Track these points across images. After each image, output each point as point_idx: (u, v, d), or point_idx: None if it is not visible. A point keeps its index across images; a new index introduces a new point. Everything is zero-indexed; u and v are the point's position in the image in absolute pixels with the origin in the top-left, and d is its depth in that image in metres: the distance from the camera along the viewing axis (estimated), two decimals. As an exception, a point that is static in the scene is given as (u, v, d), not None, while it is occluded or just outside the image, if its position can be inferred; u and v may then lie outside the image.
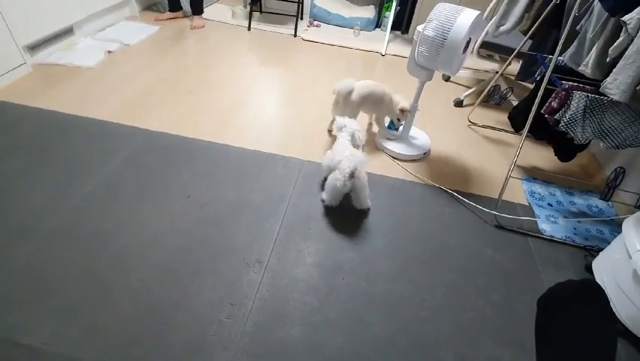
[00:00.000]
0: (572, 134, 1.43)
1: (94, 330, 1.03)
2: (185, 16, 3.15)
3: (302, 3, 3.15)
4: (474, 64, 2.90)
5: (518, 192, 1.70)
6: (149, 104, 2.02)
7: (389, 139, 1.89)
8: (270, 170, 1.66)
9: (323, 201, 1.49)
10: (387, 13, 3.18)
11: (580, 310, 0.75)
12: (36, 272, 1.15)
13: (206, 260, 1.25)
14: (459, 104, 2.35)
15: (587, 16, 1.38)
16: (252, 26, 3.10)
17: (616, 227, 1.56)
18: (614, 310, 1.14)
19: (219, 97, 2.16)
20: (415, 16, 3.14)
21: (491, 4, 2.17)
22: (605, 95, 1.26)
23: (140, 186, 1.49)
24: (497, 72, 2.19)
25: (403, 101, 1.78)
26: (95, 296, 1.11)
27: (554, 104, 1.46)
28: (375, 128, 2.00)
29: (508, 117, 1.96)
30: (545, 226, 1.53)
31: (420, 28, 1.50)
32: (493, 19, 1.98)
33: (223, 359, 1.00)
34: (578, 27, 1.42)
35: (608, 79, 1.22)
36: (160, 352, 1.00)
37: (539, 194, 1.70)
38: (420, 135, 1.95)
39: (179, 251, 1.26)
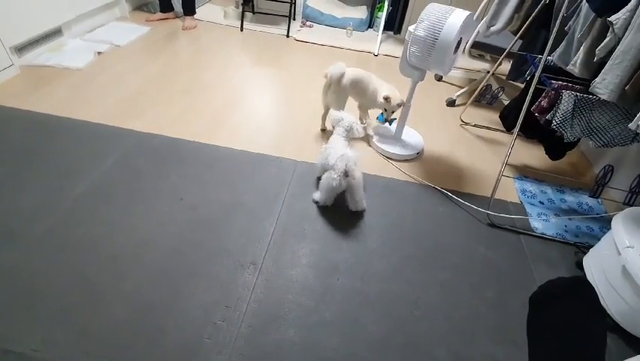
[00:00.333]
0: (562, 133, 1.45)
1: (86, 335, 1.02)
2: (177, 16, 3.13)
3: (294, 3, 3.15)
4: (465, 64, 2.93)
5: (510, 190, 1.72)
6: (140, 105, 2.00)
7: (380, 134, 1.89)
8: (263, 171, 1.65)
9: (316, 201, 1.49)
10: (380, 13, 3.19)
11: (570, 306, 0.76)
12: (25, 278, 1.13)
13: (199, 262, 1.24)
14: (451, 103, 2.37)
15: (574, 16, 1.41)
16: (244, 27, 3.09)
17: (605, 224, 1.59)
18: (604, 305, 1.17)
19: (212, 98, 2.14)
20: (406, 17, 3.16)
21: (482, 5, 2.19)
22: (594, 95, 1.28)
23: (132, 189, 1.48)
24: (488, 72, 2.21)
25: (386, 90, 1.74)
26: (87, 301, 1.09)
27: (544, 104, 1.48)
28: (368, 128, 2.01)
29: (500, 117, 1.98)
30: (537, 224, 1.54)
31: (411, 28, 1.51)
32: (483, 20, 2.00)
33: (218, 362, 0.99)
34: (566, 27, 1.44)
35: (597, 79, 1.23)
36: (153, 356, 0.99)
37: (531, 192, 1.72)
38: (413, 135, 1.96)
39: (171, 254, 1.25)
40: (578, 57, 1.33)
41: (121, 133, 1.76)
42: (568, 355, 0.70)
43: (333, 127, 1.58)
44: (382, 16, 3.10)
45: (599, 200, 1.72)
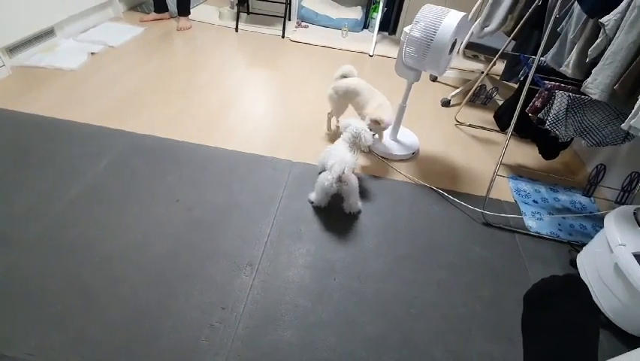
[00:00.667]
0: (557, 133, 1.46)
1: (81, 339, 1.01)
2: (172, 17, 3.11)
3: (289, 4, 3.15)
4: (460, 64, 2.94)
5: (505, 189, 1.74)
6: (134, 106, 1.99)
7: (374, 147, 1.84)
8: (259, 172, 1.65)
9: (311, 202, 1.49)
10: (375, 14, 3.20)
11: (563, 304, 0.77)
12: (19, 282, 1.12)
13: (195, 264, 1.23)
14: (446, 104, 2.38)
15: (567, 17, 1.42)
16: (239, 27, 3.08)
17: (598, 222, 1.61)
18: (596, 302, 1.19)
19: (207, 99, 2.14)
20: (402, 18, 3.17)
21: (476, 6, 2.21)
22: (586, 95, 1.30)
23: (126, 191, 1.47)
24: (483, 72, 2.23)
25: (376, 111, 1.62)
26: (82, 304, 1.09)
27: (538, 104, 1.50)
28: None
29: (494, 117, 2.00)
30: (531, 223, 1.56)
31: (407, 29, 1.52)
32: (477, 21, 2.02)
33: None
34: (559, 28, 1.46)
35: (589, 79, 1.25)
36: (150, 359, 0.99)
37: (525, 191, 1.74)
38: (408, 135, 1.97)
39: (167, 255, 1.25)
40: (571, 58, 1.35)
41: (115, 134, 1.75)
42: (562, 352, 0.71)
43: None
44: (377, 16, 3.11)
45: (592, 199, 1.75)
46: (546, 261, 1.41)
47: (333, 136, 1.96)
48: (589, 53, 1.23)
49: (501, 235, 1.50)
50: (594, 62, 1.24)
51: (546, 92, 1.46)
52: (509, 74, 2.26)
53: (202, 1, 3.56)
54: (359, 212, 1.50)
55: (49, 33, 2.41)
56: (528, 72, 1.48)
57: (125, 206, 1.40)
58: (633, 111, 1.09)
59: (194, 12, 3.16)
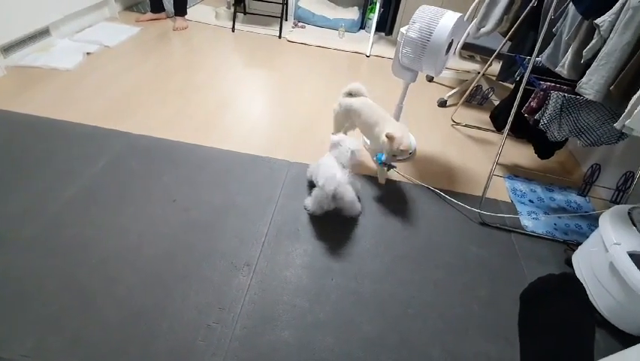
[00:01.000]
0: (551, 133, 1.47)
1: (78, 340, 1.00)
2: (168, 17, 3.10)
3: (286, 4, 3.15)
4: (456, 65, 2.96)
5: (501, 189, 1.75)
6: (131, 106, 1.98)
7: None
8: (256, 172, 1.65)
9: (306, 209, 1.48)
10: (371, 14, 3.21)
11: (559, 302, 0.78)
12: (14, 283, 1.11)
13: (192, 265, 1.23)
14: (442, 104, 2.39)
15: (562, 18, 1.43)
16: (236, 27, 3.08)
17: (593, 221, 1.62)
18: (592, 301, 1.19)
19: (204, 99, 2.13)
20: (398, 18, 3.18)
21: (472, 6, 2.22)
22: (581, 95, 1.31)
23: (123, 191, 1.46)
24: (479, 73, 2.24)
25: (392, 127, 1.45)
26: (78, 306, 1.08)
27: (533, 104, 1.51)
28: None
29: (490, 117, 2.01)
30: (527, 222, 1.57)
31: (403, 30, 1.52)
32: (474, 21, 2.03)
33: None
34: (554, 29, 1.47)
35: (583, 79, 1.26)
36: (146, 360, 0.98)
37: (521, 191, 1.75)
38: (405, 135, 1.97)
39: (164, 257, 1.24)
40: (566, 59, 1.36)
41: (112, 134, 1.74)
42: (558, 350, 0.72)
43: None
44: (374, 17, 3.11)
45: (587, 198, 1.76)
46: (542, 260, 1.42)
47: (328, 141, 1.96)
48: (584, 53, 1.24)
49: (498, 235, 1.51)
50: (589, 63, 1.25)
51: (541, 93, 1.47)
52: (505, 74, 2.28)
53: (199, 1, 3.55)
54: (359, 214, 1.50)
55: (44, 33, 2.39)
56: (524, 73, 1.49)
57: (121, 206, 1.39)
58: (627, 111, 1.10)
59: (191, 12, 3.15)
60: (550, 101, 1.42)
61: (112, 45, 2.55)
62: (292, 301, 1.17)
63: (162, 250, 1.26)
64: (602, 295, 1.19)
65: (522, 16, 1.80)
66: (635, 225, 1.18)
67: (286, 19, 3.27)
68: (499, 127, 1.94)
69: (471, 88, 2.21)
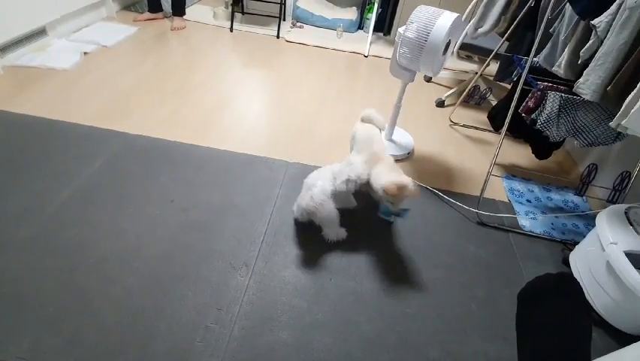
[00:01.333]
0: (548, 133, 1.48)
1: (75, 342, 1.00)
2: (166, 16, 3.09)
3: (284, 4, 3.15)
4: (454, 65, 2.96)
5: (499, 189, 1.75)
6: (128, 106, 1.97)
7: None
8: (254, 172, 1.64)
9: (293, 212, 1.43)
10: (370, 14, 3.21)
11: (556, 302, 0.78)
12: (11, 284, 1.11)
13: (190, 265, 1.23)
14: (440, 104, 2.40)
15: (559, 18, 1.44)
16: (234, 27, 3.07)
17: (590, 221, 1.63)
18: (589, 300, 1.20)
19: (202, 99, 2.13)
20: (396, 18, 3.18)
21: (470, 7, 2.23)
22: (578, 95, 1.32)
23: (120, 192, 1.46)
24: (476, 73, 2.24)
25: (386, 177, 1.23)
26: (75, 306, 1.07)
27: (531, 104, 1.51)
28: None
29: (488, 117, 2.01)
30: (525, 222, 1.57)
31: (401, 30, 1.52)
32: (471, 22, 2.03)
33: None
34: (551, 29, 1.47)
35: (580, 79, 1.27)
36: None
37: (518, 191, 1.76)
38: (403, 135, 1.98)
39: (162, 257, 1.24)
40: (563, 59, 1.36)
41: (109, 135, 1.73)
42: (555, 349, 0.72)
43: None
44: (372, 17, 3.12)
45: (584, 198, 1.77)
46: (540, 260, 1.43)
47: (326, 141, 1.96)
48: (580, 54, 1.25)
49: (495, 235, 1.51)
50: (586, 63, 1.25)
51: (539, 93, 1.48)
52: (503, 74, 2.28)
53: (196, 1, 3.54)
54: (339, 240, 1.35)
55: (41, 32, 2.38)
56: (521, 73, 1.49)
57: (118, 207, 1.39)
58: (622, 110, 1.11)
59: (189, 12, 3.15)
60: (548, 101, 1.43)
61: (109, 45, 2.54)
62: (290, 301, 1.17)
63: (160, 250, 1.26)
64: (598, 294, 1.19)
65: (519, 17, 1.80)
66: (631, 224, 1.19)
67: (284, 19, 3.27)
68: (496, 127, 1.95)
69: (469, 88, 2.22)
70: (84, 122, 1.78)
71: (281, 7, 3.09)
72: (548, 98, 1.43)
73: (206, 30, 3.05)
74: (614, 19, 1.14)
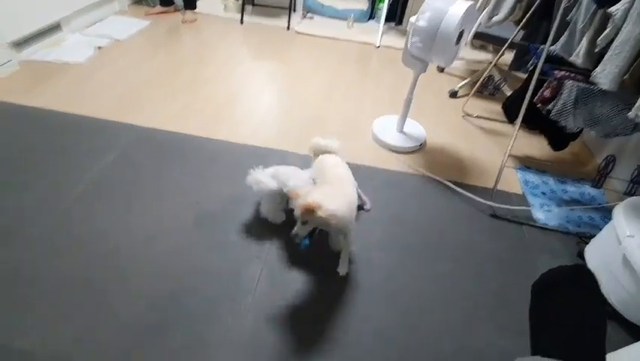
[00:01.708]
0: (564, 124, 1.45)
1: (89, 335, 1.03)
2: (177, 10, 3.10)
3: (294, -5, 3.12)
4: (468, 55, 2.90)
5: (513, 181, 1.73)
6: (141, 100, 2.00)
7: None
8: (265, 164, 1.65)
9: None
10: (381, 4, 3.16)
11: (571, 294, 0.77)
12: (27, 275, 1.15)
13: (203, 258, 1.25)
14: (453, 95, 2.36)
15: (576, 6, 1.39)
16: (244, 19, 3.07)
17: (607, 214, 1.59)
18: (604, 294, 1.18)
19: (213, 92, 2.14)
20: (408, 7, 3.12)
21: (483, -5, 2.17)
22: (595, 85, 1.28)
23: (133, 185, 1.48)
24: (491, 63, 2.20)
25: (312, 194, 1.04)
26: (89, 300, 1.11)
27: (547, 94, 1.48)
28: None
29: (502, 107, 1.98)
30: (539, 215, 1.55)
31: (412, 19, 1.50)
32: (485, 10, 1.98)
33: (224, 356, 1.01)
34: (568, 18, 1.43)
35: (597, 69, 1.23)
36: (160, 354, 1.01)
37: (533, 183, 1.73)
38: (415, 127, 1.96)
39: (175, 250, 1.27)
40: (581, 48, 1.32)
41: (121, 128, 1.77)
42: (569, 341, 0.71)
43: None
44: (383, 7, 3.07)
45: (602, 190, 1.73)
46: (554, 253, 1.41)
47: (336, 133, 1.95)
48: (597, 42, 1.21)
49: (508, 227, 1.49)
50: (603, 52, 1.22)
51: (555, 82, 1.44)
52: (518, 63, 2.23)
53: (206, -6, 3.53)
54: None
55: (55, 28, 2.42)
56: (537, 62, 1.45)
57: (131, 200, 1.42)
58: (642, 101, 1.08)
59: (200, 4, 3.14)
60: (564, 91, 1.39)
61: (122, 39, 2.57)
62: (302, 291, 1.18)
63: (173, 243, 1.28)
64: (614, 288, 1.17)
65: (535, 5, 1.75)
66: (649, 217, 1.16)
67: (295, 10, 3.25)
68: (511, 118, 1.91)
69: (483, 78, 2.17)
70: (98, 116, 1.82)
71: (291, -1, 3.07)
72: (565, 87, 1.39)
73: (217, 22, 3.05)
74: (631, 7, 1.10)
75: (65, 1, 2.42)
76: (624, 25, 1.12)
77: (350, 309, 1.15)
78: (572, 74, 1.45)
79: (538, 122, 1.69)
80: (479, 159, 1.85)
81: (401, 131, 1.90)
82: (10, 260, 1.18)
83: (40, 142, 1.64)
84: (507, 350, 1.10)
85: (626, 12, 1.11)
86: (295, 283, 1.21)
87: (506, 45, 1.99)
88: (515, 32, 1.93)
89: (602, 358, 0.69)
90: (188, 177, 1.54)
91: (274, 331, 1.07)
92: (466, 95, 2.31)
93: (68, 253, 1.22)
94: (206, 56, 2.54)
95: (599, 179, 1.46)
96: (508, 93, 2.27)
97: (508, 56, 2.33)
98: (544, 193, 1.68)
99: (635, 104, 1.11)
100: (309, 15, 3.28)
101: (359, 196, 1.42)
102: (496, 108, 2.19)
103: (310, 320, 1.11)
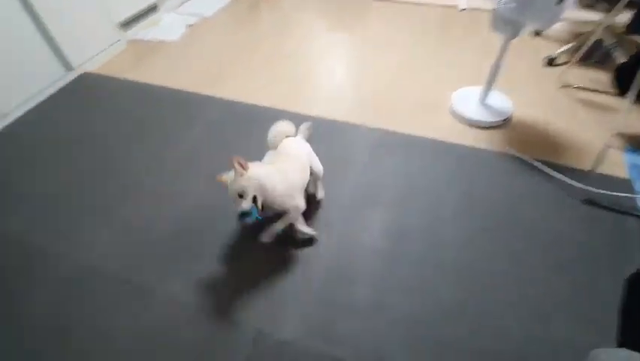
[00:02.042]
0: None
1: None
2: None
3: (372, -41, 2.97)
4: (572, 14, 2.50)
5: (617, 164, 1.50)
6: (225, 74, 2.15)
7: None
8: (340, 138, 1.68)
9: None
10: (468, -39, 2.85)
11: None
12: (137, 228, 1.38)
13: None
14: (550, 62, 2.08)
15: None
16: (320, -11, 3.03)
17: None
18: None
19: (292, 65, 2.20)
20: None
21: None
22: None
23: (217, 154, 1.63)
24: (601, 24, 1.87)
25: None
26: (189, 244, 1.30)
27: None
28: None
29: (613, 77, 1.70)
30: (648, 204, 1.34)
31: (508, -23, 1.34)
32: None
33: (294, 309, 1.11)
34: None
35: None
36: (242, 300, 1.14)
37: (644, 167, 1.48)
38: (500, 99, 1.79)
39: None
40: None
41: (208, 101, 1.93)
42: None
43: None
44: (471, -36, 2.76)
45: None
46: (662, 248, 1.22)
47: (413, 106, 1.88)
48: None
49: (605, 216, 1.32)
50: None
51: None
52: (637, 25, 1.86)
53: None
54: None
55: (153, 8, 2.68)
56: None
57: (214, 170, 1.57)
58: None
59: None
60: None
61: (208, 16, 2.75)
62: (368, 262, 1.22)
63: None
64: None
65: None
66: None
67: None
68: (623, 90, 1.63)
69: (589, 43, 1.87)
70: (189, 89, 2.01)
71: (369, -37, 2.92)
72: None
73: (294, -6, 3.07)
74: None
75: (161, -17, 2.65)
76: None
77: (417, 281, 1.16)
78: None
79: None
80: (576, 137, 1.64)
81: (484, 103, 1.76)
82: (128, 212, 1.43)
83: (143, 112, 1.88)
84: (582, 346, 1.00)
85: None
86: (362, 252, 1.24)
87: (623, 2, 1.67)
88: (640, -16, 1.61)
89: None
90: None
91: (340, 295, 1.14)
92: (566, 62, 2.02)
93: (171, 202, 1.44)
94: (286, 28, 2.60)
95: None
96: (621, 61, 1.92)
97: (625, 16, 1.96)
98: (658, 179, 1.43)
99: None
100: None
101: (315, 183, 1.37)
102: (603, 78, 1.88)
103: (376, 289, 1.15)
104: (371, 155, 1.58)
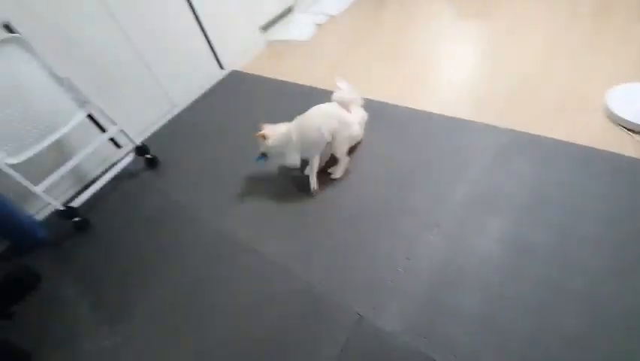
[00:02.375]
0: None
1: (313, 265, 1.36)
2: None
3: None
4: None
5: None
6: (350, 70, 2.24)
7: None
8: (460, 136, 1.60)
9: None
10: None
11: None
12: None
13: (386, 217, 1.39)
14: None
15: None
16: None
17: None
18: None
19: (413, 59, 2.17)
20: None
21: None
22: None
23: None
24: None
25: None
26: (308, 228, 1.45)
27: None
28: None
29: None
30: None
31: None
32: None
33: (396, 302, 1.15)
34: None
35: None
36: (347, 284, 1.24)
37: None
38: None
39: (357, 207, 1.46)
40: None
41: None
42: None
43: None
44: None
45: None
46: None
47: (553, 104, 1.65)
48: None
49: None
50: None
51: None
52: None
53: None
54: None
55: (287, 11, 2.97)
56: None
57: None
58: None
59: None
60: None
61: (335, 14, 2.90)
62: (480, 271, 1.16)
63: (357, 201, 1.48)
64: None
65: None
66: None
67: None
68: None
69: None
70: (317, 86, 2.17)
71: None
72: None
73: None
74: None
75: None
76: None
77: (536, 303, 1.05)
78: None
79: None
80: None
81: (652, 104, 1.42)
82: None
83: (281, 106, 2.10)
84: None
85: None
86: (473, 259, 1.19)
87: None
88: None
89: None
90: (385, 139, 1.70)
91: (443, 299, 1.12)
92: None
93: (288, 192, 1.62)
94: (412, 21, 2.56)
95: None
96: None
97: None
98: None
99: None
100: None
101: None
102: None
103: (485, 301, 1.09)
104: (495, 157, 1.47)
